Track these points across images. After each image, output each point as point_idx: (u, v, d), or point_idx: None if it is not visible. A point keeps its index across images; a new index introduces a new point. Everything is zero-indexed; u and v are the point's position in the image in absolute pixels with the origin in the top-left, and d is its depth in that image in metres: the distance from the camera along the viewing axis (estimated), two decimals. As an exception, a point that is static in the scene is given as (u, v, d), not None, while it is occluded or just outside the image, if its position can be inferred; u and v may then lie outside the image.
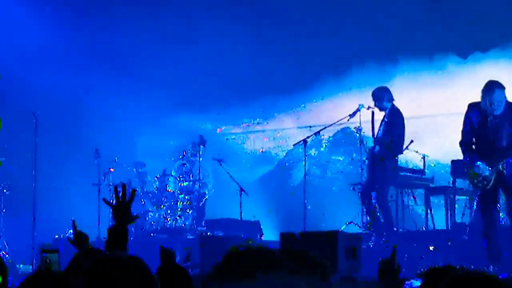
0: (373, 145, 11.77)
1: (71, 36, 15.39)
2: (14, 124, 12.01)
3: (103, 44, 15.47)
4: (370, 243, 10.55)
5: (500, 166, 9.71)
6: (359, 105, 11.91)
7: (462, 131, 10.12)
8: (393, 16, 14.11)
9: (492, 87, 9.81)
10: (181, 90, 15.00)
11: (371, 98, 11.90)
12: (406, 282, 4.92)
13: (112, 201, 4.43)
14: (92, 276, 2.56)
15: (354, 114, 12.04)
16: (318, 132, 12.82)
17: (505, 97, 9.89)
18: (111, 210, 4.41)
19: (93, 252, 4.32)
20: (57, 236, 12.02)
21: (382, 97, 11.63)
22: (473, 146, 10.08)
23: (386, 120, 11.70)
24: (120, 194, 4.34)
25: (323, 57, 14.54)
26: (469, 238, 10.72)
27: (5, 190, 12.00)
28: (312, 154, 13.75)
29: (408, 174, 12.35)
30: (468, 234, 10.87)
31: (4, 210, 12.25)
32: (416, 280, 4.81)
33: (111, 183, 13.26)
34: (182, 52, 15.05)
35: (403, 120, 11.70)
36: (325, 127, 12.96)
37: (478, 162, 9.86)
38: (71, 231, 5.34)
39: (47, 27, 15.20)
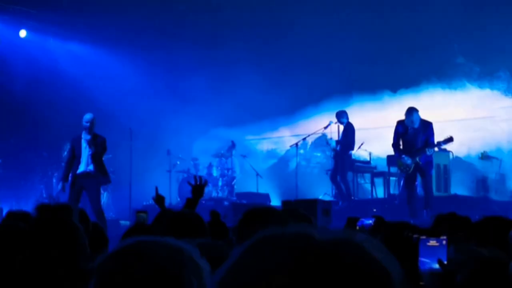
0: (335, 145, 11.88)
1: (152, 77, 14.78)
2: (117, 134, 11.72)
3: (174, 81, 14.79)
4: (337, 206, 10.72)
5: (417, 159, 10.11)
6: (330, 121, 12.16)
7: (393, 137, 10.54)
8: (352, 60, 13.41)
9: (411, 111, 10.25)
10: (223, 110, 14.29)
11: (339, 115, 11.96)
12: (360, 220, 4.93)
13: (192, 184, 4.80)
14: (170, 226, 3.08)
15: (327, 127, 12.33)
16: (305, 138, 12.85)
17: (419, 117, 10.29)
18: (191, 188, 4.74)
19: (169, 212, 4.19)
20: (145, 203, 12.02)
21: (341, 116, 11.90)
22: (401, 147, 10.43)
23: (344, 130, 11.98)
24: (199, 182, 4.73)
25: (308, 89, 13.89)
26: (398, 203, 10.91)
27: (112, 175, 11.24)
28: (301, 152, 13.15)
29: (360, 164, 12.53)
30: (397, 200, 11.12)
31: (111, 187, 12.24)
32: (367, 220, 4.90)
33: (173, 171, 13.61)
34: (222, 85, 14.21)
35: (354, 131, 11.91)
36: (309, 135, 12.91)
37: (403, 156, 10.25)
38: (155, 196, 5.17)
39: (134, 72, 14.81)
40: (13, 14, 14.01)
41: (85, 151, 9.89)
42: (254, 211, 3.02)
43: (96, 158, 9.91)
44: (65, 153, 11.94)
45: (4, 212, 8.76)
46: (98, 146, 9.92)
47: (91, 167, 9.90)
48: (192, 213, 3.58)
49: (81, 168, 9.90)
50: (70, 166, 10.04)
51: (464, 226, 3.79)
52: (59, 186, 10.85)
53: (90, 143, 9.85)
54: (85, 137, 9.86)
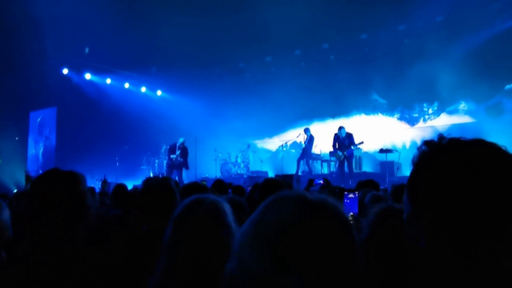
0: (304, 145, 12.09)
1: (205, 107, 14.88)
2: (188, 139, 12.00)
3: (217, 109, 14.84)
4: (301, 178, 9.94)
5: (345, 152, 10.87)
6: (299, 133, 12.61)
7: (333, 142, 11.18)
8: (311, 100, 13.36)
9: (340, 128, 11.07)
10: (243, 126, 14.31)
11: (305, 130, 12.31)
12: (315, 180, 5.19)
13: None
14: (213, 186, 3.47)
15: (298, 136, 12.77)
16: (286, 142, 13.50)
17: (345, 130, 10.99)
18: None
19: (219, 181, 4.38)
20: (203, 176, 12.43)
21: (306, 131, 12.24)
22: (336, 147, 11.05)
23: (308, 138, 12.22)
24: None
25: (287, 115, 13.93)
26: (336, 176, 11.08)
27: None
28: (284, 149, 13.42)
29: (315, 155, 12.75)
30: (335, 174, 11.35)
31: (187, 169, 11.90)
32: (319, 180, 5.26)
33: (217, 159, 13.74)
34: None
35: (313, 139, 12.21)
36: (288, 140, 13.52)
37: (338, 151, 11.04)
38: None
39: (196, 105, 14.86)
40: (119, 75, 14.73)
41: (178, 152, 11.49)
42: (268, 180, 3.06)
43: (183, 156, 11.54)
44: (162, 150, 13.49)
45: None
46: (185, 152, 11.50)
47: (181, 160, 11.50)
48: (223, 182, 3.97)
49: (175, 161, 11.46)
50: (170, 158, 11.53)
51: (375, 187, 3.73)
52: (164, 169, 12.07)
53: (180, 150, 11.51)
54: (177, 147, 11.60)
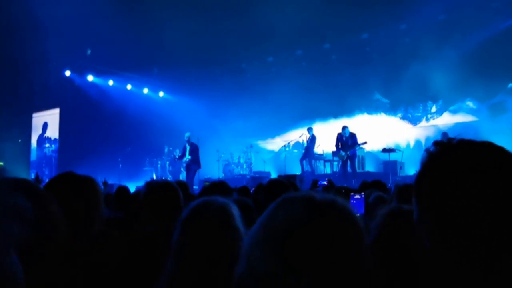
0: (306, 145, 12.26)
1: (208, 109, 14.76)
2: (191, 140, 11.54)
3: (218, 110, 14.76)
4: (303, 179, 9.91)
5: (348, 152, 10.89)
6: (302, 133, 12.75)
7: (336, 142, 11.25)
8: (314, 100, 13.29)
9: (344, 128, 11.13)
10: (245, 127, 14.23)
11: (309, 130, 12.40)
12: (319, 181, 5.21)
13: None
14: (213, 185, 3.33)
15: (300, 136, 12.90)
16: (289, 142, 13.62)
17: (349, 130, 11.05)
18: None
19: (220, 182, 3.93)
20: (206, 177, 12.29)
21: (309, 130, 12.34)
22: (340, 146, 11.07)
23: (310, 138, 12.34)
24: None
25: (290, 116, 13.93)
26: (338, 175, 11.10)
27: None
28: (287, 149, 13.43)
29: (318, 155, 12.74)
30: (338, 174, 11.37)
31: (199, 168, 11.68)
32: (323, 181, 5.29)
33: (220, 160, 13.62)
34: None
35: (315, 139, 12.33)
36: (291, 141, 13.66)
37: (341, 151, 11.07)
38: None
39: (198, 107, 14.80)
40: (121, 76, 14.71)
41: (188, 148, 11.29)
42: (273, 181, 3.00)
43: (193, 155, 11.30)
44: (166, 151, 13.57)
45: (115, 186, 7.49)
46: (194, 149, 11.34)
47: (190, 157, 11.27)
48: (222, 183, 3.63)
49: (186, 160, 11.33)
50: (181, 159, 11.53)
51: (382, 188, 3.71)
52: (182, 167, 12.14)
53: (189, 146, 11.34)
54: (187, 144, 11.38)
